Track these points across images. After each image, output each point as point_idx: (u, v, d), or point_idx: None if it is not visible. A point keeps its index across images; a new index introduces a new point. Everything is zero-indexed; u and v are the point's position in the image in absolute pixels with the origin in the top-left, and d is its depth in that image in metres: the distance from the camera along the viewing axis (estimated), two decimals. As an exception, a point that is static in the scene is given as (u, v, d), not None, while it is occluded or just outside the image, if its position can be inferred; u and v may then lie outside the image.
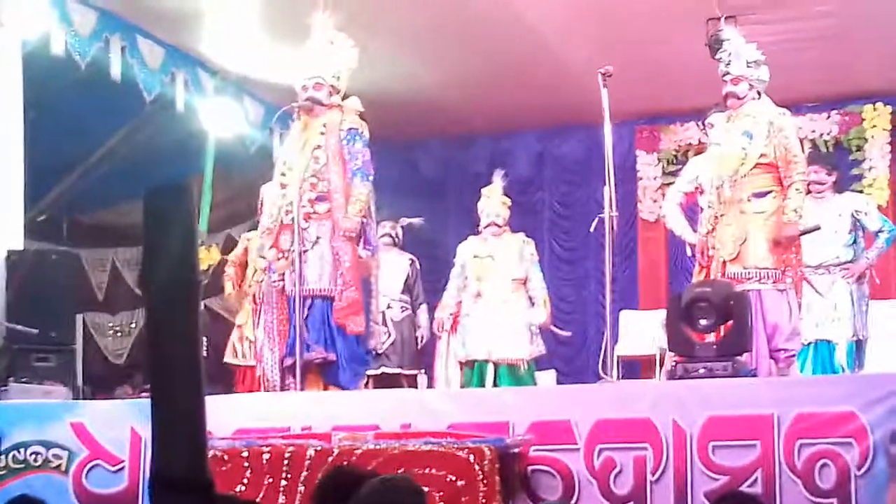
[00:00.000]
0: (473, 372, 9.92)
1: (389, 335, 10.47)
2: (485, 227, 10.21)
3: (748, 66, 8.27)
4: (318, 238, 8.31)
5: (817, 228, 8.13)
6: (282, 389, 8.27)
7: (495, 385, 9.63)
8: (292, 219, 8.31)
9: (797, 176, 7.97)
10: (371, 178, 8.45)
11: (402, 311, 10.70)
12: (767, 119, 8.12)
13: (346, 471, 4.97)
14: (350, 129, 8.45)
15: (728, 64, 8.31)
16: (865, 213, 9.95)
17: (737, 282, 7.99)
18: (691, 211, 9.50)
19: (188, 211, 2.65)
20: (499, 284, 9.99)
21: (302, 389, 8.11)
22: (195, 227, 2.68)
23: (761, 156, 8.08)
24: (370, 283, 8.55)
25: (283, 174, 8.53)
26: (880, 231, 9.97)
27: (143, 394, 9.20)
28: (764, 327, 7.99)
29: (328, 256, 8.31)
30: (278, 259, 8.44)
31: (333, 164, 8.38)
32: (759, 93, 8.32)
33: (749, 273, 8.02)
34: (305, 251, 8.27)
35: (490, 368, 9.81)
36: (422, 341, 10.69)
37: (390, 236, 10.88)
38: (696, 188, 9.39)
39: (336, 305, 8.28)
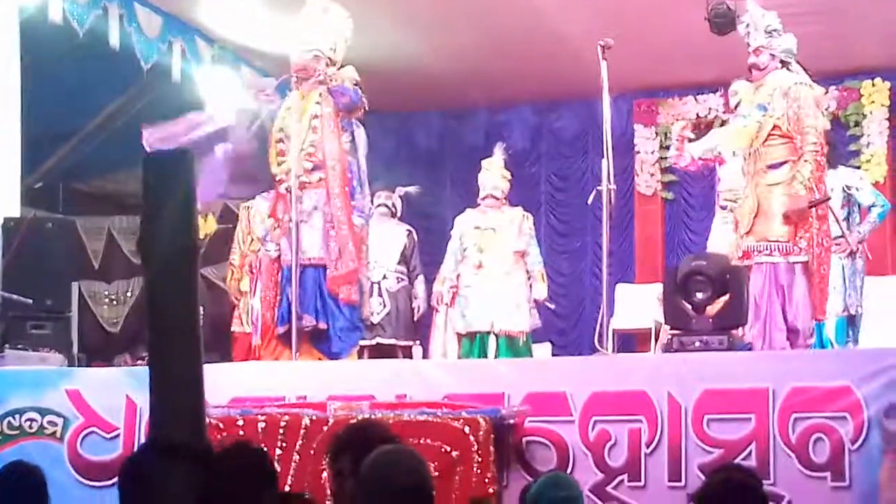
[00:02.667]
0: (474, 343, 9.92)
1: (385, 306, 10.46)
2: (483, 200, 10.20)
3: (768, 36, 8.20)
4: (314, 208, 8.31)
5: (827, 199, 8.07)
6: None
7: (496, 357, 9.64)
8: (287, 188, 8.33)
9: (808, 147, 7.90)
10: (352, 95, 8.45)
11: (398, 281, 10.68)
12: (783, 89, 8.06)
13: (368, 427, 4.96)
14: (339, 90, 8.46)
15: (748, 35, 8.27)
16: (858, 189, 9.94)
17: (748, 255, 7.97)
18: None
19: (187, 177, 2.65)
20: (500, 256, 10.00)
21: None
22: (194, 194, 2.68)
23: (774, 127, 8.03)
24: (364, 251, 8.55)
25: (278, 141, 8.52)
26: (873, 206, 9.98)
27: (140, 363, 9.20)
28: (778, 301, 7.95)
29: (320, 224, 8.31)
30: (274, 228, 8.48)
31: (329, 133, 8.38)
32: (783, 62, 8.24)
33: (761, 246, 7.98)
34: (302, 221, 8.27)
35: (492, 340, 9.82)
36: (418, 312, 10.68)
37: (387, 206, 10.85)
38: (715, 157, 9.38)
39: (330, 274, 8.28)
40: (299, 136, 8.34)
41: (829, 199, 8.15)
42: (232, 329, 10.14)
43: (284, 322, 8.32)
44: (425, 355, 10.60)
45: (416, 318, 10.71)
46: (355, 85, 8.49)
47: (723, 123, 11.88)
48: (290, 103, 8.64)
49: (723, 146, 9.33)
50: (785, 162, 8.01)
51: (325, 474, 5.89)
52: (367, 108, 8.51)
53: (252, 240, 9.82)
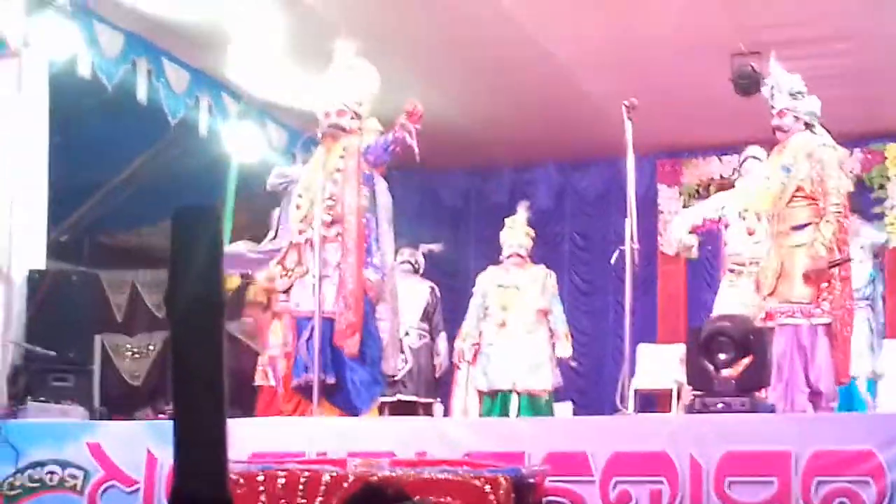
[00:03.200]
0: (496, 402, 9.90)
1: (406, 362, 10.46)
2: (507, 258, 10.22)
3: (792, 98, 8.23)
4: (337, 264, 8.34)
5: (848, 260, 8.07)
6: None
7: (518, 416, 9.63)
8: (305, 239, 8.38)
9: (831, 207, 7.92)
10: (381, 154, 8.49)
11: (420, 338, 10.69)
12: (807, 151, 8.09)
13: (376, 489, 4.96)
14: (369, 145, 8.50)
15: (772, 97, 8.30)
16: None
17: (771, 317, 7.97)
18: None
19: (215, 231, 2.66)
20: (523, 315, 10.01)
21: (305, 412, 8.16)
22: (221, 248, 2.69)
23: (798, 189, 8.04)
24: (379, 306, 8.54)
25: (299, 195, 8.57)
26: None
27: (162, 416, 9.21)
28: (800, 363, 7.93)
29: (335, 279, 8.35)
30: (281, 277, 8.49)
31: (349, 187, 8.43)
32: (807, 124, 8.26)
33: (784, 308, 7.98)
34: (326, 277, 8.29)
35: (514, 398, 9.80)
36: (440, 370, 10.67)
37: (410, 263, 10.89)
38: (720, 219, 9.42)
39: (336, 327, 8.30)
40: (318, 187, 8.38)
41: (850, 259, 8.15)
42: (256, 382, 10.13)
43: (298, 375, 8.34)
44: (446, 413, 10.60)
45: (437, 376, 10.71)
46: (381, 133, 8.54)
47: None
48: (314, 158, 8.71)
49: (728, 208, 9.39)
50: (808, 223, 8.01)
51: (344, 531, 5.87)
52: (415, 154, 8.43)
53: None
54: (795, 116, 8.23)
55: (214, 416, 2.49)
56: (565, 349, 10.19)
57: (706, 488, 6.46)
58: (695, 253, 9.46)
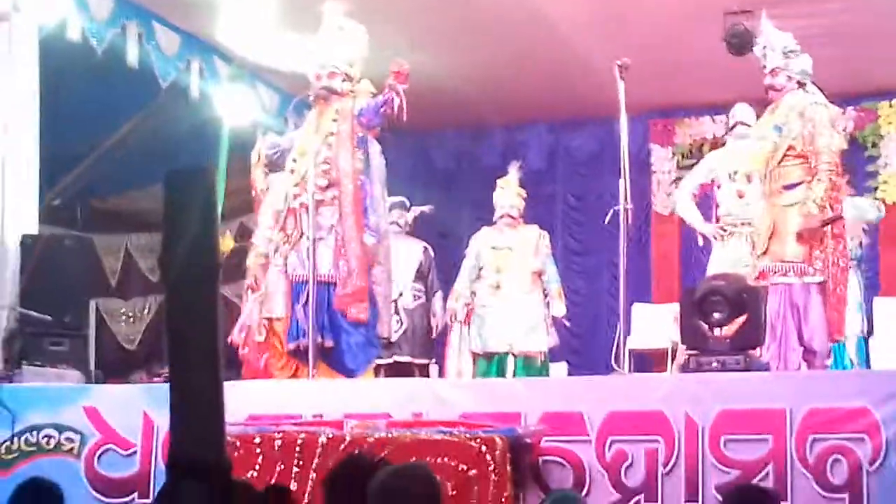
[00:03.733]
0: (491, 364, 9.89)
1: (401, 323, 10.46)
2: (499, 218, 10.19)
3: (784, 57, 8.22)
4: (331, 227, 8.34)
5: (840, 218, 8.07)
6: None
7: (513, 377, 9.63)
8: (300, 203, 8.38)
9: (822, 166, 7.92)
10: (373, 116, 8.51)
11: (416, 299, 10.69)
12: (799, 110, 8.08)
13: (358, 459, 4.97)
14: (361, 107, 8.50)
15: (764, 56, 8.28)
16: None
17: (764, 276, 7.98)
18: (704, 204, 9.56)
19: (208, 194, 2.64)
20: (518, 276, 9.99)
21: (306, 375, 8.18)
22: (215, 211, 2.67)
23: (790, 148, 8.04)
24: (377, 270, 8.56)
25: (293, 160, 8.57)
26: None
27: (157, 380, 9.22)
28: (793, 321, 7.95)
29: (331, 242, 8.35)
30: (283, 243, 8.50)
31: (343, 150, 8.43)
32: (800, 83, 8.25)
33: (777, 267, 7.99)
34: (320, 239, 8.30)
35: (510, 360, 9.80)
36: (436, 330, 10.66)
37: (398, 224, 10.89)
38: (712, 181, 9.43)
39: (339, 292, 8.31)
40: (313, 151, 8.38)
41: (842, 217, 8.15)
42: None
43: (294, 339, 8.36)
44: (441, 374, 10.60)
45: (434, 336, 10.70)
46: (374, 95, 8.53)
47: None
48: (307, 121, 8.70)
49: (719, 169, 9.40)
50: (800, 182, 8.02)
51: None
52: (403, 113, 8.42)
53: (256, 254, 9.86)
54: (788, 75, 8.22)
55: (210, 380, 2.49)
56: (559, 308, 10.18)
57: (701, 447, 6.48)
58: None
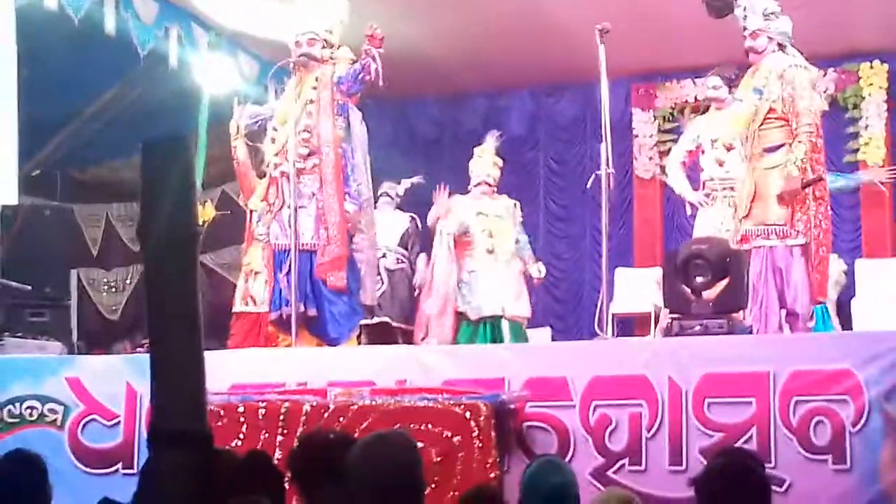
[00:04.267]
0: (479, 329, 9.84)
1: (382, 283, 10.43)
2: (475, 186, 10.15)
3: (765, 19, 8.20)
4: (311, 195, 8.33)
5: (820, 179, 8.07)
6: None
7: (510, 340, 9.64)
8: (281, 172, 8.37)
9: (803, 128, 7.91)
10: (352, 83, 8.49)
11: (398, 262, 10.68)
12: (778, 72, 8.06)
13: (316, 439, 4.97)
14: (340, 75, 8.49)
15: (745, 18, 8.26)
16: None
17: (746, 240, 7.98)
18: (692, 170, 9.56)
19: (186, 163, 2.63)
20: (507, 242, 9.98)
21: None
22: (193, 180, 2.66)
23: (770, 110, 8.03)
24: (359, 237, 8.55)
25: (274, 129, 8.56)
26: None
27: (140, 349, 9.20)
28: (775, 284, 7.96)
29: (313, 211, 8.34)
30: (266, 213, 8.50)
31: (323, 118, 8.42)
32: (780, 45, 8.23)
33: (759, 230, 7.99)
34: (301, 207, 8.29)
35: (505, 323, 9.78)
36: (417, 292, 10.62)
37: (389, 196, 10.87)
38: (698, 146, 9.42)
39: (318, 260, 8.31)
40: (293, 119, 8.36)
41: (822, 179, 8.14)
42: (234, 309, 10.09)
43: (277, 308, 8.36)
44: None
45: (416, 295, 10.62)
46: (353, 62, 8.51)
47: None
48: (287, 89, 8.67)
49: (703, 136, 9.41)
50: (781, 145, 8.01)
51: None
52: (380, 78, 8.42)
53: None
54: (768, 37, 8.21)
55: (190, 349, 2.48)
56: (539, 269, 10.14)
57: (685, 410, 6.49)
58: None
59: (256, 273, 9.89)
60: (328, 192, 8.34)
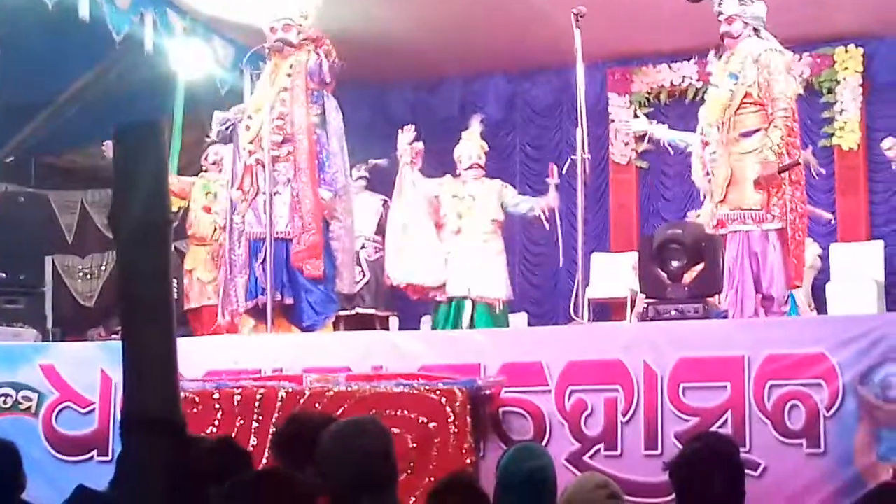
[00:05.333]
0: (450, 308, 9.85)
1: (364, 275, 10.45)
2: (465, 170, 10.13)
3: (740, 3, 8.20)
4: (287, 181, 8.31)
5: (797, 164, 8.08)
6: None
7: (472, 324, 9.60)
8: (256, 160, 8.35)
9: (779, 112, 7.92)
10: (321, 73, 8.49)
11: (376, 251, 10.67)
12: (754, 57, 8.07)
13: (302, 418, 4.96)
14: (310, 67, 8.47)
15: (720, 3, 8.26)
16: None
17: (723, 224, 7.99)
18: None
19: (158, 148, 2.62)
20: (479, 223, 9.94)
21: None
22: (166, 165, 2.65)
23: (746, 95, 8.03)
24: (335, 225, 8.53)
25: (249, 116, 8.53)
26: None
27: (115, 336, 9.19)
28: (751, 269, 7.98)
29: (287, 198, 8.33)
30: (241, 201, 8.46)
31: (297, 106, 8.40)
32: (755, 30, 8.24)
33: (735, 215, 8.00)
34: (276, 193, 8.27)
35: (468, 305, 9.76)
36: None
37: (364, 178, 10.87)
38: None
39: (294, 248, 8.29)
40: (268, 106, 8.33)
41: (799, 163, 8.16)
42: (193, 304, 10.19)
43: (252, 297, 8.34)
44: (402, 326, 10.60)
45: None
46: (327, 56, 8.49)
47: (696, 92, 11.92)
48: (263, 76, 8.65)
49: (702, 122, 9.41)
50: (757, 130, 8.01)
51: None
52: (337, 75, 8.48)
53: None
54: (744, 22, 8.21)
55: (163, 336, 2.47)
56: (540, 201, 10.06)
57: (660, 395, 6.50)
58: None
59: (190, 271, 10.04)
60: (302, 179, 8.32)
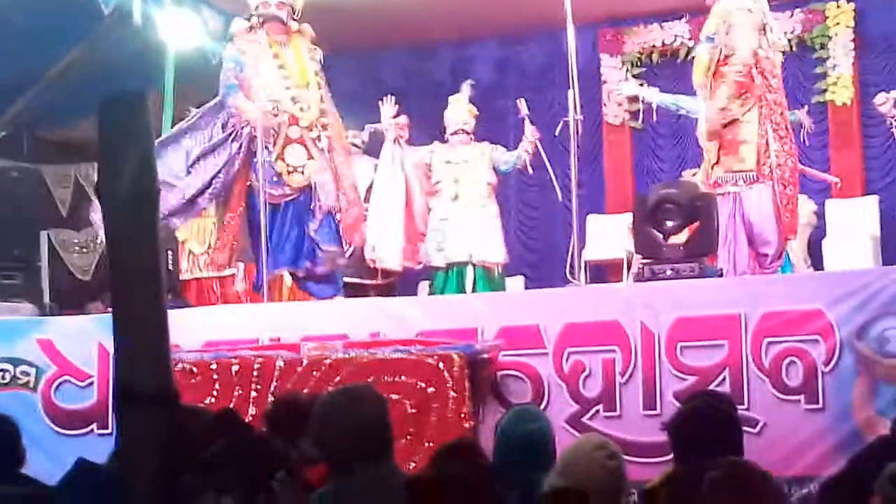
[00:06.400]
0: (450, 275, 9.83)
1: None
2: (452, 135, 10.11)
3: None
4: (329, 157, 8.47)
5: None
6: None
7: (473, 288, 9.60)
8: (301, 136, 8.40)
9: (731, 69, 7.94)
10: None
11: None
12: (724, 17, 8.05)
13: (292, 397, 4.97)
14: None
15: None
16: None
17: (718, 185, 7.99)
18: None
19: (144, 121, 2.61)
20: (476, 187, 9.93)
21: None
22: (152, 137, 2.64)
23: (724, 57, 8.02)
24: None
25: (287, 88, 8.58)
26: None
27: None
28: (744, 227, 7.98)
29: (329, 176, 8.47)
30: (289, 173, 8.49)
31: (325, 87, 8.76)
32: None
33: (728, 177, 8.01)
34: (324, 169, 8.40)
35: (470, 270, 9.76)
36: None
37: (356, 145, 10.83)
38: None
39: (344, 221, 8.62)
40: (309, 90, 8.44)
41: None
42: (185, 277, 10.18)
43: (292, 263, 8.43)
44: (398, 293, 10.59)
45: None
46: (312, 41, 8.73)
47: (688, 51, 11.86)
48: (263, 53, 8.66)
49: None
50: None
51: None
52: None
53: None
54: None
55: (153, 306, 2.47)
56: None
57: (658, 354, 6.52)
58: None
59: (183, 242, 10.05)
60: (339, 159, 8.66)
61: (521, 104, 9.78)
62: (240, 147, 8.62)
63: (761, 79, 8.04)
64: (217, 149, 8.66)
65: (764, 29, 8.23)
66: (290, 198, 8.57)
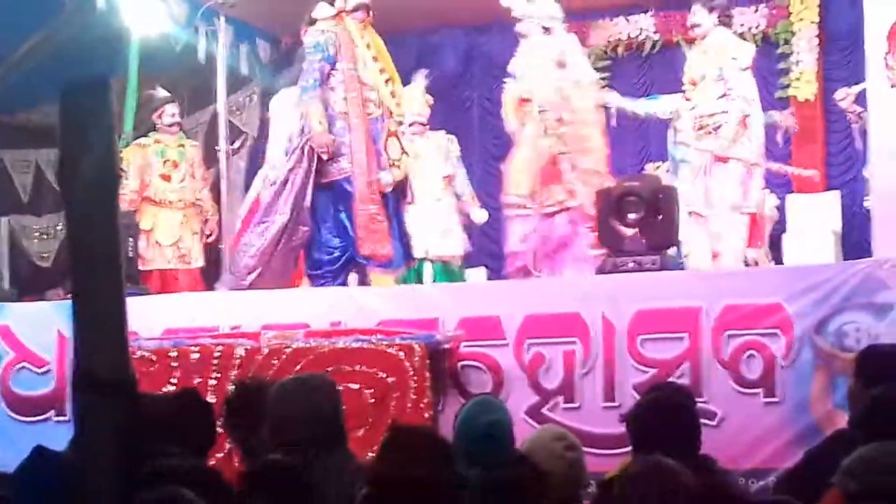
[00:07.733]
0: (410, 272, 9.83)
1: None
2: (408, 126, 10.10)
3: None
4: None
5: None
6: None
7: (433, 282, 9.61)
8: (401, 131, 8.57)
9: None
10: None
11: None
12: None
13: (251, 384, 4.96)
14: None
15: None
16: None
17: None
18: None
19: (107, 107, 2.59)
20: (429, 182, 9.92)
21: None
22: (113, 125, 2.62)
23: None
24: None
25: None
26: None
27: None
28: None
29: None
30: (391, 165, 8.26)
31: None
32: None
33: None
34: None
35: (427, 266, 9.75)
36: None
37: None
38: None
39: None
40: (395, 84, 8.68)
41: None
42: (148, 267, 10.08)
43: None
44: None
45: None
46: None
47: (654, 45, 11.90)
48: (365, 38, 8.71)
49: None
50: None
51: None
52: None
53: None
54: None
55: (112, 293, 2.46)
56: (481, 214, 10.13)
57: (619, 347, 6.54)
58: None
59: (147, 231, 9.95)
60: None
61: None
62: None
63: None
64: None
65: None
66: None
